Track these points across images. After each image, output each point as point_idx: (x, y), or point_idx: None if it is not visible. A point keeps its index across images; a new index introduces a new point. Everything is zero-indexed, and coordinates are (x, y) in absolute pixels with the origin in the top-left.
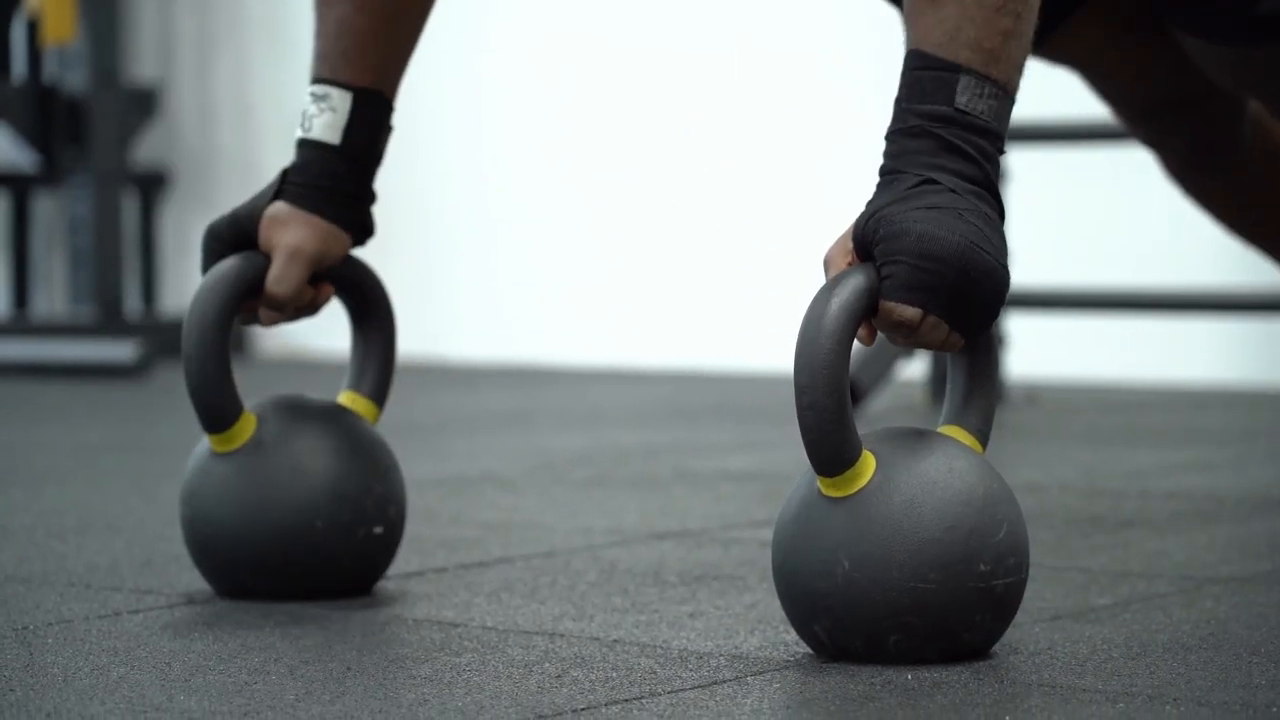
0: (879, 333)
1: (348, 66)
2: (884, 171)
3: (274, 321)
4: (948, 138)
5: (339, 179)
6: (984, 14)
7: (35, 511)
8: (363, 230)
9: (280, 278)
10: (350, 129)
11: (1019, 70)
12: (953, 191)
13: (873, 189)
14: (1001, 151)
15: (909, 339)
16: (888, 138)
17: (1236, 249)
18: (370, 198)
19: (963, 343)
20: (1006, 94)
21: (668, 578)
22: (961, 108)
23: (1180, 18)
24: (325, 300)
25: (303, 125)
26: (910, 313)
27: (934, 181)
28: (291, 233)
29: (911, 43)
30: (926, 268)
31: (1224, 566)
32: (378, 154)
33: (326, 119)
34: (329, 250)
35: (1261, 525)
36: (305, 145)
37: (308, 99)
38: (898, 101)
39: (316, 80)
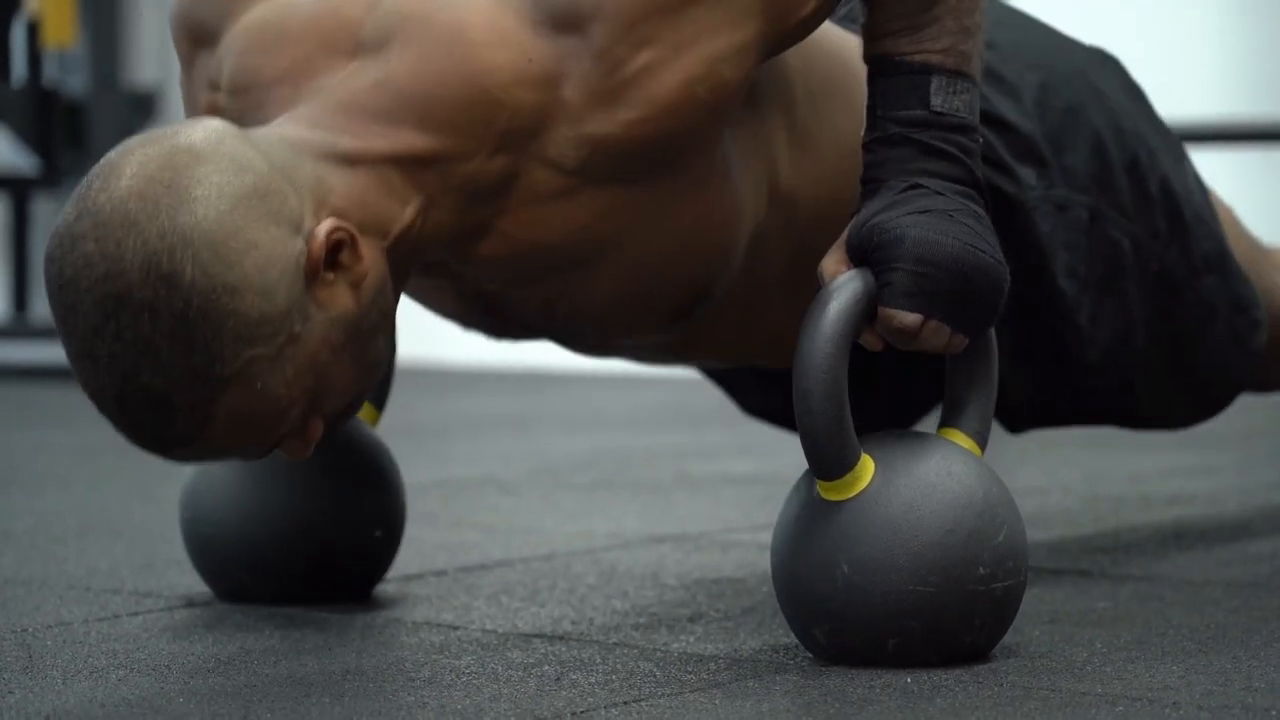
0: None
1: None
2: (865, 180)
3: None
4: (928, 141)
5: None
6: (957, 20)
7: (35, 514)
8: None
9: None
10: None
11: (980, 58)
12: (940, 194)
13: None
14: (979, 141)
15: (911, 345)
16: (866, 147)
17: None
18: None
19: (966, 343)
20: (974, 83)
21: (667, 581)
22: (937, 109)
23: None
24: None
25: None
26: (911, 319)
27: (920, 186)
28: None
29: (878, 48)
30: (924, 272)
31: (1224, 570)
32: None
33: None
34: None
35: (1262, 529)
36: None
37: None
38: (871, 109)
39: None
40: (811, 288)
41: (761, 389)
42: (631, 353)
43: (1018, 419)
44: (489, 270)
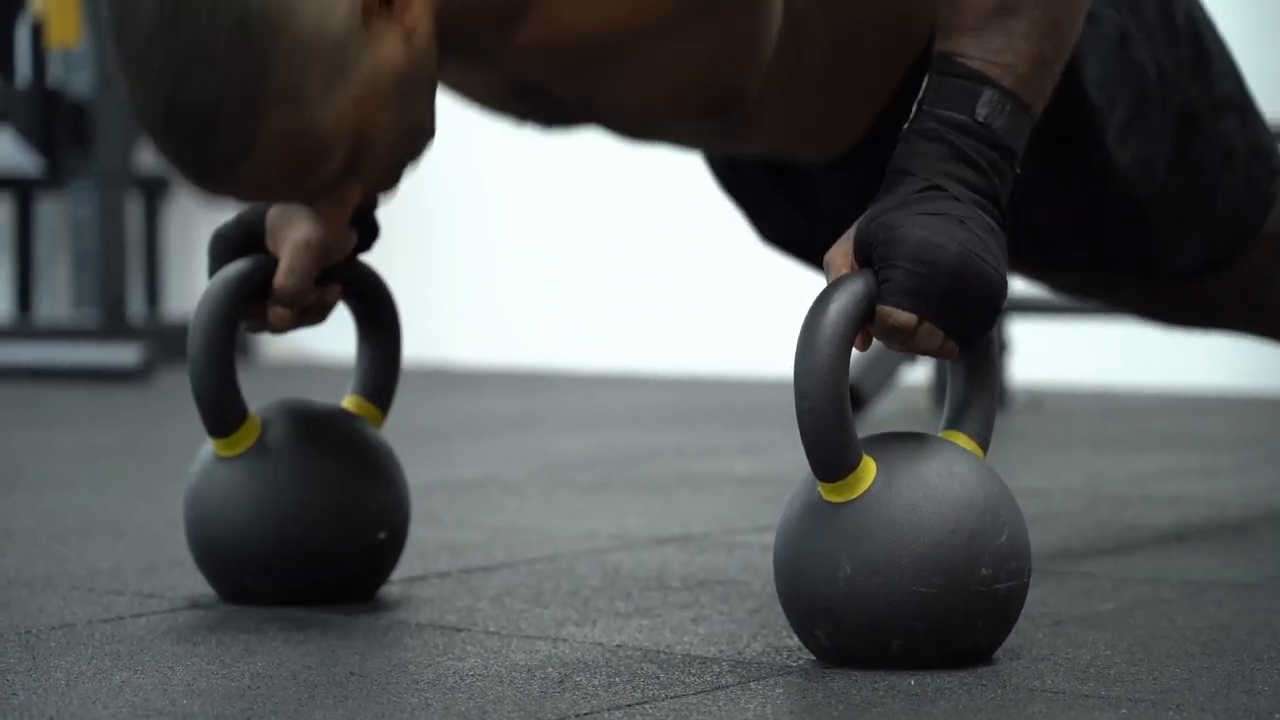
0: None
1: None
2: (893, 169)
3: (283, 323)
4: (961, 146)
5: None
6: (1029, 44)
7: (38, 514)
8: (367, 227)
9: (290, 270)
10: None
11: (1043, 97)
12: (957, 199)
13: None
14: (1014, 169)
15: (904, 344)
16: (903, 136)
17: None
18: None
19: (958, 350)
20: (1028, 115)
21: (670, 582)
22: (981, 119)
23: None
24: (333, 301)
25: None
26: (905, 318)
27: (940, 188)
28: (298, 228)
29: (945, 44)
30: (923, 273)
31: (1227, 572)
32: None
33: None
34: (336, 243)
35: (1264, 531)
36: None
37: None
38: (920, 101)
39: None
40: (854, 73)
41: (784, 215)
42: (677, 140)
43: (1031, 245)
44: (530, 61)
